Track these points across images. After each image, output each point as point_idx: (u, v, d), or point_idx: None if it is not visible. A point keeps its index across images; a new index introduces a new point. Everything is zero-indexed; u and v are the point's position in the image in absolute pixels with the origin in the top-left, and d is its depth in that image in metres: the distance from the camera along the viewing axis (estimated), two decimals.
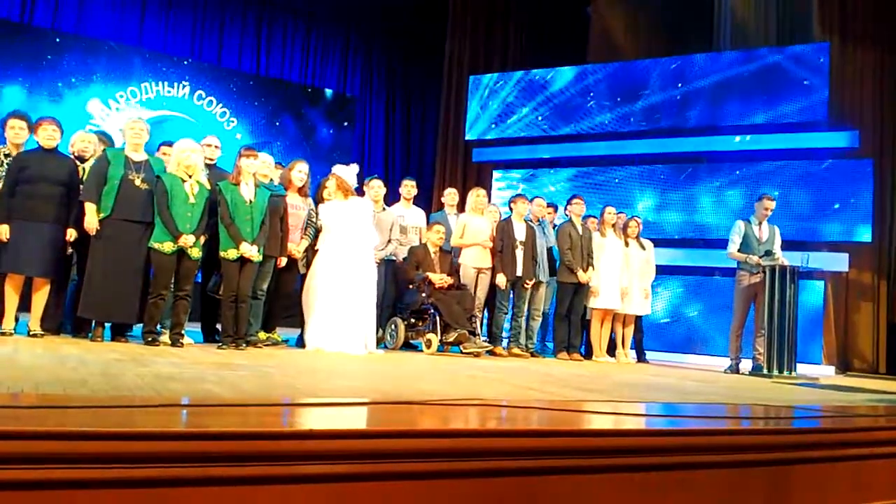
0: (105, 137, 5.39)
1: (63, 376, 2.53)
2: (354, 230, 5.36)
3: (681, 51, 9.41)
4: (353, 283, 5.21)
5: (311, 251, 5.50)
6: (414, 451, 1.73)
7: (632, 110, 9.43)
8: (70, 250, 4.67)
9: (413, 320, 6.08)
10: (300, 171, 5.50)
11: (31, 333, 4.34)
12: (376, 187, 6.30)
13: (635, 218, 7.11)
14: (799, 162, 8.51)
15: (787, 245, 6.82)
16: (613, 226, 6.94)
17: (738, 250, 6.47)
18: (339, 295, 5.15)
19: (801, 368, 6.40)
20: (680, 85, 9.22)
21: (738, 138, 8.82)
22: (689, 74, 9.15)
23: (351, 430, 1.83)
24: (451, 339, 5.86)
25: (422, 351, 5.92)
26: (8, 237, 4.35)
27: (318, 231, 5.53)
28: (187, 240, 4.52)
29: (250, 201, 4.81)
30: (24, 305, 4.48)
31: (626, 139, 9.44)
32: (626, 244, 6.94)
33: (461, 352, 5.87)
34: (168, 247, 4.51)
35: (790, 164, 8.51)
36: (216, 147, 5.45)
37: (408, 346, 6.14)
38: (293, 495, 1.60)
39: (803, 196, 8.26)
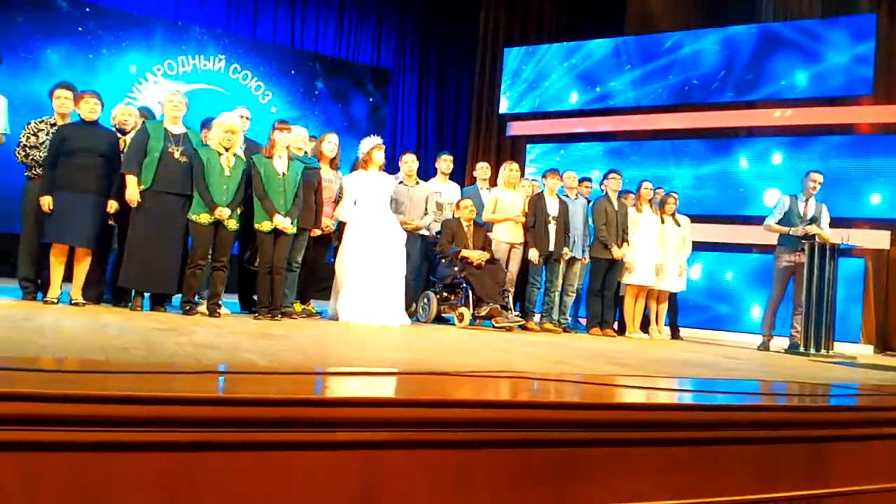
0: (148, 113, 5.46)
1: (105, 344, 2.58)
2: (379, 201, 5.42)
3: (721, 22, 9.15)
4: (382, 254, 5.26)
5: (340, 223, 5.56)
6: (446, 421, 1.75)
7: (668, 83, 9.24)
8: (111, 222, 4.76)
9: (445, 294, 6.10)
10: (330, 143, 5.53)
11: (73, 302, 4.46)
12: (410, 162, 6.29)
13: (672, 194, 6.98)
14: (841, 136, 8.26)
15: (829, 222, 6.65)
16: (650, 201, 6.84)
17: (779, 225, 6.32)
18: (370, 267, 5.20)
19: (839, 347, 6.27)
20: (720, 57, 8.98)
21: (778, 112, 8.59)
22: (730, 47, 8.92)
23: (384, 398, 1.85)
24: (482, 313, 5.87)
25: (454, 324, 5.94)
26: (52, 208, 4.45)
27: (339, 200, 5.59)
28: (223, 212, 4.59)
29: (283, 174, 4.86)
30: (66, 275, 4.59)
31: (662, 112, 9.27)
32: (662, 220, 6.83)
33: (493, 326, 5.88)
34: (205, 218, 4.58)
35: (832, 139, 8.27)
36: (247, 118, 5.50)
37: (440, 319, 6.17)
38: (327, 461, 1.63)
39: (845, 171, 8.03)
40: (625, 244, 6.57)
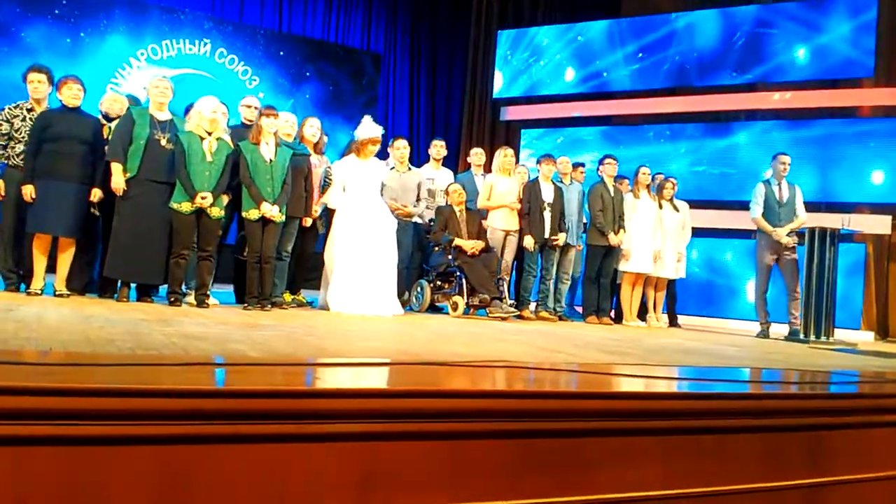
0: (134, 101, 5.37)
1: (90, 335, 2.55)
2: (370, 188, 5.37)
3: (719, 3, 9.07)
4: (373, 243, 5.20)
5: (326, 211, 5.51)
6: (440, 411, 1.73)
7: (665, 66, 9.17)
8: (94, 211, 4.66)
9: (439, 283, 6.05)
10: (311, 127, 5.46)
11: (56, 293, 4.38)
12: (401, 148, 6.21)
13: (671, 179, 6.89)
14: (842, 119, 8.21)
15: (828, 206, 6.63)
16: (647, 186, 6.77)
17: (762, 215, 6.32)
18: (361, 256, 5.14)
19: (839, 334, 6.27)
20: (719, 39, 8.91)
21: (777, 95, 8.54)
22: (729, 28, 8.84)
23: (378, 388, 1.84)
24: (476, 303, 5.82)
25: (448, 314, 5.90)
26: (34, 196, 4.36)
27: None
28: (204, 199, 4.51)
29: (270, 161, 4.78)
30: (50, 266, 4.51)
31: (659, 96, 9.18)
32: (660, 206, 6.75)
33: (488, 315, 5.84)
34: (186, 207, 4.50)
35: (833, 122, 8.21)
36: (255, 108, 5.41)
37: (434, 308, 6.12)
38: (320, 453, 1.60)
39: (846, 155, 7.99)
40: (621, 231, 6.53)
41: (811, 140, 8.07)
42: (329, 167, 5.55)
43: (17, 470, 1.35)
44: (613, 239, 6.47)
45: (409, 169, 6.25)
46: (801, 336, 5.88)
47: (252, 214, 4.71)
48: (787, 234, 6.17)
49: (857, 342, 6.33)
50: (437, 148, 6.66)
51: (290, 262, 5.23)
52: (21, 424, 1.35)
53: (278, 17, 10.07)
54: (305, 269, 5.67)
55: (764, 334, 6.32)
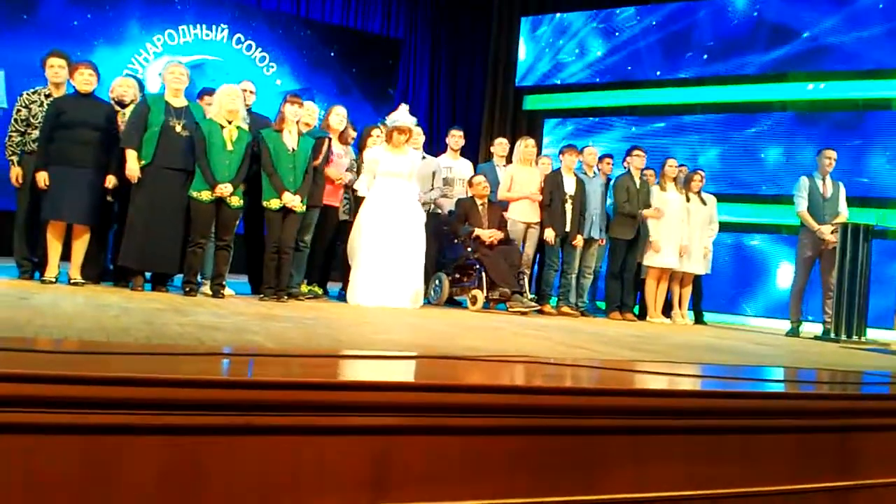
0: (138, 82, 5.35)
1: (105, 324, 2.54)
2: (400, 179, 5.29)
3: None
4: (399, 234, 5.14)
5: (352, 199, 5.47)
6: (459, 406, 1.70)
7: (695, 54, 8.96)
8: (110, 198, 4.64)
9: (458, 276, 5.98)
10: (338, 115, 5.41)
11: (71, 282, 4.36)
12: (416, 134, 6.16)
13: (699, 171, 6.72)
14: (877, 112, 7.99)
15: (861, 201, 6.48)
16: (674, 179, 6.63)
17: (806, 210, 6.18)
18: (384, 247, 5.08)
19: (872, 333, 6.12)
20: (749, 27, 8.70)
21: (811, 85, 8.34)
22: (760, 15, 8.63)
23: (396, 382, 1.81)
24: (496, 296, 5.75)
25: (466, 308, 5.84)
26: (48, 183, 4.34)
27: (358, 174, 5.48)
28: (224, 189, 4.48)
29: (293, 150, 4.74)
30: (65, 253, 4.49)
31: (687, 86, 8.98)
32: (688, 199, 6.57)
33: (508, 310, 5.77)
34: (206, 195, 4.47)
35: (868, 115, 7.99)
36: (251, 92, 5.39)
37: (452, 302, 6.06)
38: (337, 447, 1.58)
39: (881, 149, 7.78)
40: (648, 210, 6.38)
41: (845, 132, 7.86)
42: (353, 160, 5.51)
43: (30, 457, 1.35)
44: (647, 212, 6.31)
45: (424, 157, 6.19)
46: (833, 335, 5.75)
47: (273, 204, 4.68)
48: (831, 232, 6.04)
49: (891, 342, 6.17)
50: (455, 137, 6.57)
51: (313, 255, 5.20)
52: (34, 412, 1.35)
53: (296, 1, 9.98)
54: (327, 259, 5.66)
55: (794, 332, 6.19)
